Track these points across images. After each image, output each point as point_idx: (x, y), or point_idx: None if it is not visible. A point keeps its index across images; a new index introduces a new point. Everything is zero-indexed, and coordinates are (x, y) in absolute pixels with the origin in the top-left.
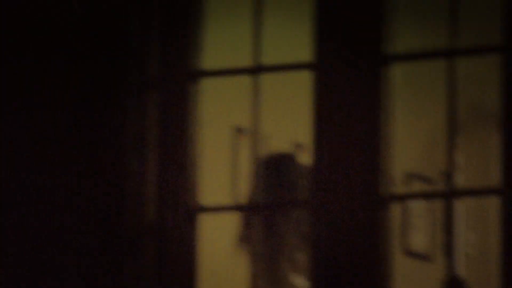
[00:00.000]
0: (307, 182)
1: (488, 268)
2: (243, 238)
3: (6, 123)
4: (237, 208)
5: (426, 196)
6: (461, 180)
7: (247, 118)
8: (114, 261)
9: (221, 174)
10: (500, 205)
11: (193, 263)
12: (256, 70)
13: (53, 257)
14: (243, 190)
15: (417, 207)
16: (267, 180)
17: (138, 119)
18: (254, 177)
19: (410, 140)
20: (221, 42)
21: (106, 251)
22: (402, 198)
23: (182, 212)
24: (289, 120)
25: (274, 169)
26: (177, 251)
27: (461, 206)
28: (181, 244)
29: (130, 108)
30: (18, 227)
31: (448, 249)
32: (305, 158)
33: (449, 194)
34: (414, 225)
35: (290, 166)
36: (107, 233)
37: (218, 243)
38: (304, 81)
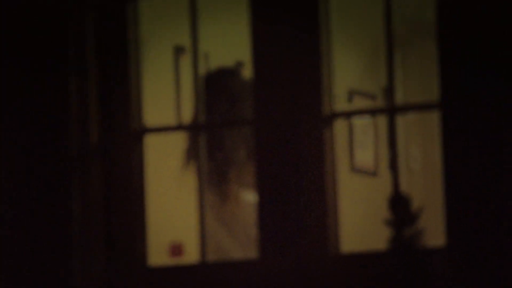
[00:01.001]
0: (250, 99)
1: (431, 181)
2: (189, 157)
3: None
4: (182, 128)
5: (368, 112)
6: (401, 95)
7: (187, 38)
8: (61, 185)
9: (164, 94)
10: (440, 118)
11: (140, 183)
12: None
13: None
14: (187, 109)
15: (361, 123)
16: (210, 97)
17: (78, 42)
18: (197, 95)
19: (351, 57)
20: None
21: (53, 174)
22: (345, 115)
23: (127, 133)
24: (229, 38)
25: (217, 85)
26: (123, 172)
27: (403, 121)
28: (127, 165)
29: None
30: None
31: (392, 164)
32: (247, 75)
33: (391, 110)
34: (358, 142)
35: (232, 81)
36: (51, 157)
37: (165, 163)
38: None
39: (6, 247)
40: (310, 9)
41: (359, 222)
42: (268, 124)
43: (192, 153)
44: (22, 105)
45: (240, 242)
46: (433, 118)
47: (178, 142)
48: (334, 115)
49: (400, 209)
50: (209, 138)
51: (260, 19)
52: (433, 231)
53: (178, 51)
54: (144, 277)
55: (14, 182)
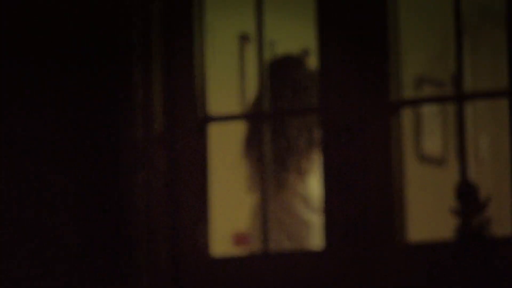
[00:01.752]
0: (316, 88)
1: (500, 170)
2: (251, 145)
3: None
4: (246, 117)
5: (436, 100)
6: (470, 82)
7: (252, 25)
8: (125, 174)
9: (228, 82)
10: (508, 106)
11: (203, 172)
12: None
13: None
14: (252, 98)
15: (429, 111)
16: (275, 85)
17: (143, 30)
18: (261, 84)
19: (419, 45)
20: None
21: (116, 164)
22: (413, 102)
23: (191, 123)
24: (295, 25)
25: (282, 73)
26: (187, 161)
27: (472, 109)
28: (191, 154)
29: None
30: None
31: (461, 153)
32: (312, 63)
33: (459, 97)
34: (426, 130)
35: (297, 70)
36: (115, 146)
37: (228, 152)
38: None
39: (70, 239)
40: None
41: (426, 211)
42: (333, 112)
43: (254, 142)
44: (88, 94)
45: (303, 232)
46: (503, 106)
47: (241, 130)
48: (401, 103)
49: (468, 198)
50: (272, 127)
51: (326, 7)
52: (502, 220)
53: (243, 38)
54: (208, 268)
55: (77, 173)
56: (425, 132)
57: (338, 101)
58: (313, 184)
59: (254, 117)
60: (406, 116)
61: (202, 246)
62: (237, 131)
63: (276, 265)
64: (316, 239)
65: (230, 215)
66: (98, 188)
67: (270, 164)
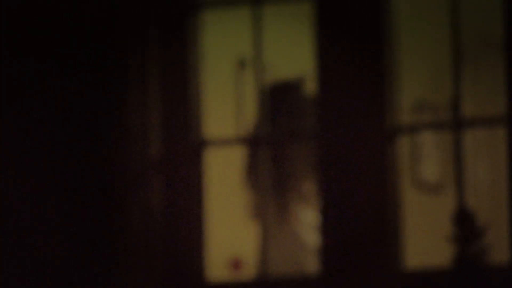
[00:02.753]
0: (313, 113)
1: (497, 199)
2: (249, 171)
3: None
4: (243, 141)
5: (434, 126)
6: (468, 109)
7: (249, 49)
8: (121, 198)
9: (225, 106)
10: (506, 133)
11: (199, 197)
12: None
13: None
14: (248, 123)
15: (426, 138)
16: (271, 110)
17: (140, 54)
18: (258, 109)
19: (417, 68)
20: None
21: (112, 188)
22: (409, 129)
23: (187, 147)
24: (293, 50)
25: (279, 98)
26: (183, 186)
27: (469, 136)
28: (187, 179)
29: (131, 47)
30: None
31: (458, 181)
32: (310, 89)
33: (458, 124)
34: (423, 157)
35: (295, 95)
36: (112, 169)
37: (224, 177)
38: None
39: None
40: (373, 25)
41: (423, 239)
42: (331, 139)
43: (252, 167)
44: (84, 117)
45: (300, 259)
46: (501, 133)
47: (238, 155)
48: (398, 129)
49: (465, 225)
50: (269, 153)
51: (325, 34)
52: (499, 248)
53: (240, 63)
54: None
55: (72, 199)
56: (423, 159)
57: (334, 127)
58: (313, 210)
59: (249, 142)
60: (403, 142)
61: (197, 271)
62: (236, 156)
63: None
64: (316, 264)
65: (226, 241)
66: (91, 217)
67: (270, 190)
